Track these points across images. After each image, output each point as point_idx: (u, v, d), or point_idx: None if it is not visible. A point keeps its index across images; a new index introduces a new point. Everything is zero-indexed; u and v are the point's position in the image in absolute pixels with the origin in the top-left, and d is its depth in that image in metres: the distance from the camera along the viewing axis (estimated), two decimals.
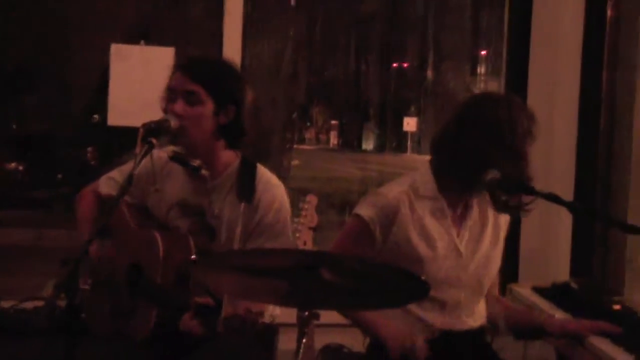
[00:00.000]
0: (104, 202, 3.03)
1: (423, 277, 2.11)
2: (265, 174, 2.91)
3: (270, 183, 2.89)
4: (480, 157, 2.71)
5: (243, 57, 4.30)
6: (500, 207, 2.85)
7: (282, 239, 2.81)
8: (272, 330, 2.69)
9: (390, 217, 2.78)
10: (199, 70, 2.81)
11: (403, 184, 2.85)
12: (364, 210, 2.80)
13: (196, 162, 2.82)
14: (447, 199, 2.81)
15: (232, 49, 4.16)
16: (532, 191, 2.67)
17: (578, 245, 4.13)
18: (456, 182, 2.79)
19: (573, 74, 4.19)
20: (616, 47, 4.11)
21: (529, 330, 2.94)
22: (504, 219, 2.95)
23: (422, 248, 2.76)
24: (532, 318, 2.97)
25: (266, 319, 2.41)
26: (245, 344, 2.60)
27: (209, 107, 2.77)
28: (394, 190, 2.83)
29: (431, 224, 2.79)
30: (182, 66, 2.84)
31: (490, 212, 2.90)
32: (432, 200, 2.81)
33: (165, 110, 2.81)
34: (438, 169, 2.82)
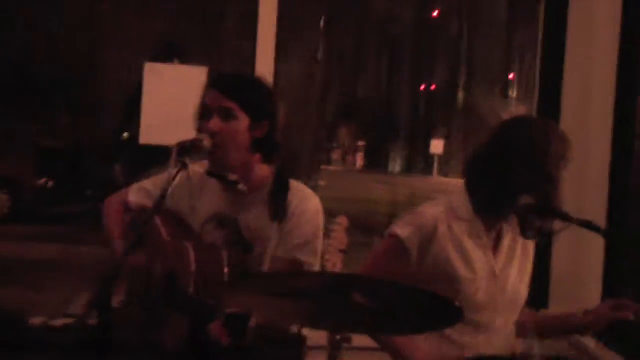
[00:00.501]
0: (133, 211, 3.04)
1: (457, 302, 2.08)
2: (298, 186, 2.92)
3: (304, 193, 2.90)
4: (513, 180, 2.69)
5: (275, 77, 4.31)
6: (531, 233, 2.82)
7: (311, 249, 2.81)
8: (300, 341, 2.68)
9: (428, 237, 2.75)
10: (232, 86, 2.83)
11: (439, 205, 2.83)
12: (401, 229, 2.78)
13: (233, 177, 2.83)
14: (482, 221, 2.79)
15: (264, 68, 4.17)
16: (566, 217, 2.64)
17: (610, 271, 4.08)
18: (490, 205, 2.78)
19: (607, 98, 4.15)
20: None
21: (564, 332, 2.99)
22: (531, 244, 2.92)
23: (461, 268, 2.74)
24: (566, 321, 2.96)
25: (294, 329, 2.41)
26: (275, 353, 2.59)
27: (243, 122, 2.79)
28: (431, 210, 2.81)
29: (469, 245, 2.78)
30: (215, 83, 2.86)
31: (520, 238, 2.88)
32: (469, 222, 2.79)
33: (198, 129, 2.83)
34: (472, 192, 2.80)
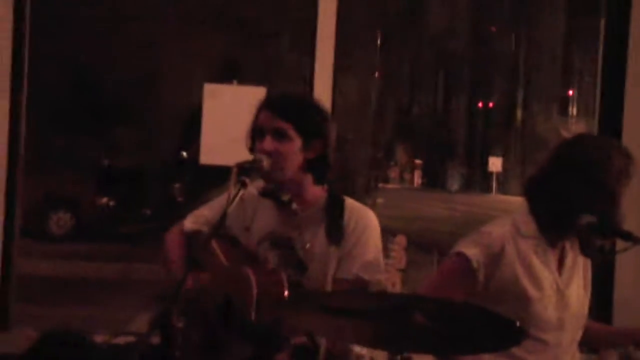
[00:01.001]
0: (191, 239, 3.07)
1: (519, 322, 2.05)
2: (353, 204, 2.91)
3: (360, 210, 2.89)
4: (574, 199, 2.67)
5: (333, 95, 4.33)
6: (593, 252, 2.79)
7: (374, 266, 2.78)
8: None
9: (495, 256, 2.73)
10: (285, 107, 2.83)
11: (505, 224, 2.81)
12: (467, 248, 2.76)
13: (286, 197, 2.84)
14: (547, 239, 2.77)
15: (322, 87, 4.18)
16: (629, 237, 2.60)
17: None
18: (553, 224, 2.75)
19: None
20: None
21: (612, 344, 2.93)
22: (589, 263, 2.88)
23: (529, 288, 2.72)
24: (615, 333, 2.97)
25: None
26: None
27: (297, 143, 2.80)
28: (497, 229, 2.79)
29: (536, 263, 2.75)
30: (268, 104, 2.87)
31: (580, 255, 2.84)
32: (534, 240, 2.77)
33: (251, 149, 2.85)
34: (535, 211, 2.78)
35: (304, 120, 2.81)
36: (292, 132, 2.79)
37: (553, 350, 2.74)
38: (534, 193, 2.80)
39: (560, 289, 2.75)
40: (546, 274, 2.75)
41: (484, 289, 2.71)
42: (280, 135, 2.79)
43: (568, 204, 2.68)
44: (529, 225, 2.77)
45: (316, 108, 2.92)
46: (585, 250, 2.79)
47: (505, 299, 2.66)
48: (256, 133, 2.84)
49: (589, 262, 2.89)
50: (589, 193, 2.66)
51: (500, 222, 2.83)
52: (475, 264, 2.71)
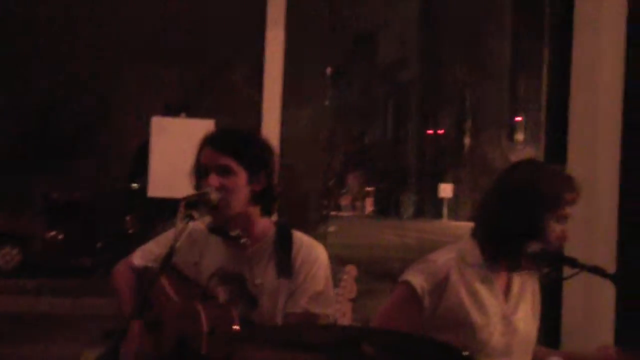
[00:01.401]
0: (140, 274, 3.05)
1: (466, 351, 2.07)
2: (302, 237, 2.93)
3: (308, 245, 2.91)
4: (504, 224, 2.70)
5: (282, 126, 4.34)
6: (540, 279, 2.83)
7: (323, 299, 2.80)
8: None
9: (440, 284, 2.74)
10: (227, 142, 2.85)
11: (451, 252, 2.83)
12: (413, 277, 2.77)
13: (235, 232, 2.83)
14: (492, 266, 2.79)
15: (271, 118, 4.20)
16: (575, 263, 2.63)
17: (622, 317, 4.06)
18: (496, 251, 2.78)
19: (614, 140, 4.16)
20: None
21: None
22: (538, 288, 2.91)
23: (475, 315, 2.73)
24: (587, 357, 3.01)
25: None
26: None
27: (242, 176, 2.81)
28: (442, 257, 2.81)
29: (481, 290, 2.77)
30: (209, 141, 2.89)
31: (528, 281, 2.87)
32: (479, 268, 2.79)
33: (196, 186, 2.85)
34: (479, 238, 2.81)
35: (247, 154, 2.82)
36: (235, 167, 2.81)
37: None
38: (479, 219, 2.84)
39: (506, 316, 2.76)
40: (492, 301, 2.76)
41: (431, 316, 2.73)
42: (224, 171, 2.80)
43: (506, 230, 2.71)
44: (474, 253, 2.80)
45: (258, 141, 2.94)
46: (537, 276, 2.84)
47: (452, 326, 2.68)
48: (200, 171, 2.85)
49: (537, 288, 2.90)
50: (516, 219, 2.68)
51: (447, 250, 2.85)
52: (420, 292, 2.73)
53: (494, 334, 2.73)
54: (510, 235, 2.71)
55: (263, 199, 2.87)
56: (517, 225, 2.71)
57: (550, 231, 2.68)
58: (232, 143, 2.85)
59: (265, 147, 2.94)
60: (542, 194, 2.70)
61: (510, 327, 2.76)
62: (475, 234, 2.84)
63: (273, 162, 2.91)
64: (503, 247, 2.75)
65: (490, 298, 2.77)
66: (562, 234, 2.70)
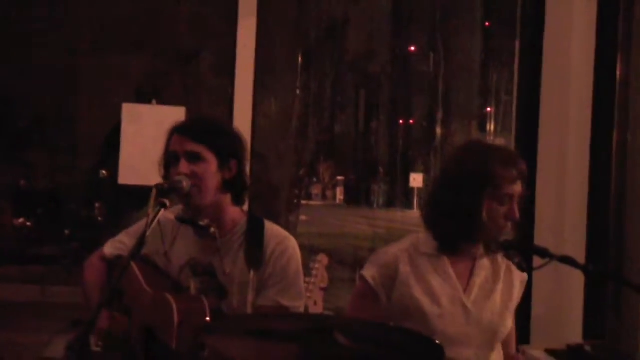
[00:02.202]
0: (111, 264, 3.03)
1: (437, 341, 2.08)
2: (273, 228, 2.93)
3: (279, 236, 2.91)
4: (443, 207, 2.73)
5: (253, 115, 4.32)
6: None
7: (294, 291, 2.81)
8: None
9: (390, 275, 2.78)
10: (197, 130, 2.85)
11: (405, 242, 2.86)
12: (366, 270, 2.82)
13: (204, 222, 2.81)
14: (450, 254, 2.79)
15: (242, 106, 4.18)
16: (545, 253, 2.65)
17: (591, 307, 4.09)
18: (445, 236, 2.76)
19: (584, 131, 4.19)
20: (626, 105, 4.12)
21: None
22: (519, 279, 2.90)
23: (426, 304, 2.74)
24: None
25: None
26: None
27: (212, 163, 2.81)
28: (394, 248, 2.84)
29: (434, 280, 2.77)
30: (179, 129, 2.87)
31: (503, 270, 2.87)
32: (433, 257, 2.79)
33: (164, 175, 2.82)
34: (428, 225, 2.81)
35: (217, 141, 2.82)
36: (206, 153, 2.79)
37: None
38: (426, 206, 2.85)
39: (465, 306, 2.77)
40: (447, 290, 2.77)
41: (388, 307, 2.74)
42: (194, 158, 2.78)
43: (442, 214, 2.75)
44: (427, 242, 2.81)
45: (228, 129, 2.96)
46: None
47: (407, 316, 2.70)
48: (170, 159, 2.82)
49: (516, 278, 2.89)
50: (453, 202, 2.71)
51: (402, 240, 2.87)
52: (373, 284, 2.75)
53: (451, 323, 2.74)
54: (450, 219, 2.72)
55: (234, 188, 2.86)
56: (455, 208, 2.71)
57: (490, 212, 2.68)
58: (203, 130, 2.83)
59: (235, 136, 2.93)
60: (474, 173, 2.71)
61: (470, 317, 2.77)
62: (424, 220, 2.85)
63: (244, 151, 2.90)
64: (447, 231, 2.75)
65: (445, 287, 2.78)
66: (508, 214, 2.68)
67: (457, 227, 2.73)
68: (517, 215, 2.68)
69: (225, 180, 2.83)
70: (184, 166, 2.76)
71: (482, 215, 2.68)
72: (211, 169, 2.80)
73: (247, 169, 2.91)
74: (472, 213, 2.69)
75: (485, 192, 2.68)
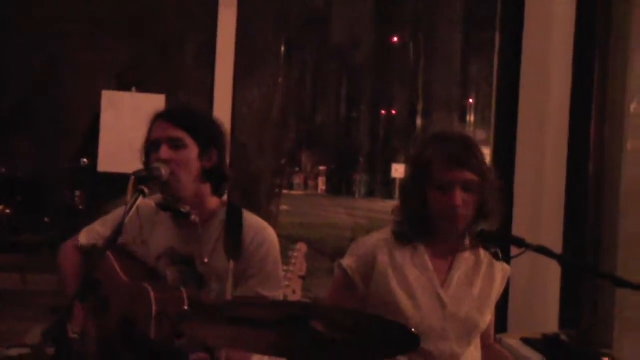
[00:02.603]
0: (86, 253, 3.02)
1: (412, 329, 2.10)
2: (251, 218, 2.93)
3: (257, 226, 2.91)
4: (407, 200, 2.75)
5: (233, 104, 4.32)
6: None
7: (272, 281, 2.81)
8: None
9: (368, 265, 2.78)
10: (180, 116, 2.85)
11: (384, 232, 2.85)
12: (345, 259, 2.82)
13: (185, 208, 2.81)
14: (429, 246, 2.80)
15: (222, 95, 4.18)
16: (521, 243, 2.65)
17: (567, 297, 4.12)
18: (414, 228, 2.77)
19: (561, 123, 4.21)
20: (604, 97, 4.14)
21: None
22: (500, 273, 2.90)
23: (401, 297, 2.74)
24: None
25: None
26: None
27: (193, 150, 2.80)
28: (373, 238, 2.84)
29: (411, 273, 2.77)
30: (161, 115, 2.87)
31: (484, 263, 2.87)
32: (412, 248, 2.80)
33: (145, 163, 2.82)
34: (400, 216, 2.82)
35: (199, 129, 2.82)
36: (187, 140, 2.79)
37: None
38: (399, 197, 2.87)
39: (441, 299, 2.77)
40: (423, 283, 2.77)
41: (365, 297, 2.75)
42: (175, 144, 2.77)
43: (402, 205, 2.77)
44: (407, 233, 2.81)
45: (209, 117, 2.97)
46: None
47: (382, 308, 2.70)
48: (151, 145, 2.81)
49: (498, 272, 2.88)
50: (407, 193, 2.75)
51: (382, 230, 2.87)
52: (350, 273, 2.76)
53: (427, 316, 2.74)
54: (403, 209, 2.75)
55: (213, 177, 2.86)
56: (408, 199, 2.74)
57: (433, 200, 2.69)
58: (185, 117, 2.84)
59: (217, 126, 2.93)
60: (415, 161, 2.74)
61: (446, 310, 2.76)
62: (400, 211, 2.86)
63: (224, 142, 2.90)
64: (401, 220, 2.77)
65: (421, 280, 2.77)
66: (449, 203, 2.65)
67: (410, 216, 2.74)
68: (457, 202, 2.64)
69: (205, 169, 2.83)
70: (164, 152, 2.75)
71: (426, 203, 2.69)
72: (191, 156, 2.80)
73: (227, 160, 2.92)
74: (417, 202, 2.70)
75: (426, 180, 2.69)
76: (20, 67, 5.19)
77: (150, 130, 2.84)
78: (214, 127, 2.90)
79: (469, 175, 2.66)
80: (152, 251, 2.89)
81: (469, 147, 2.71)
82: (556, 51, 4.20)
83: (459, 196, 2.65)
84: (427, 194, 2.69)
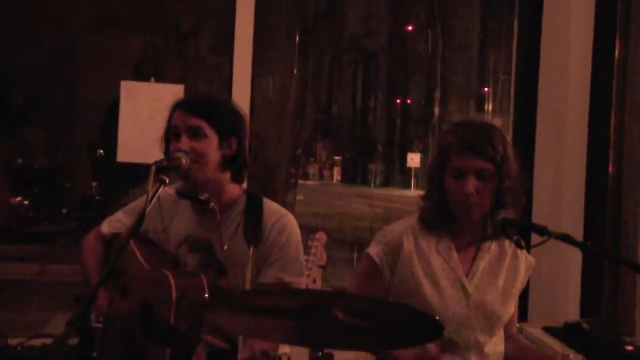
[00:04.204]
0: (109, 243, 3.03)
1: (437, 317, 2.09)
2: (272, 206, 2.94)
3: (278, 213, 2.92)
4: (430, 187, 2.75)
5: (252, 94, 4.31)
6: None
7: (295, 267, 2.82)
8: None
9: (395, 253, 2.77)
10: (199, 106, 2.84)
11: (410, 220, 2.85)
12: (372, 248, 2.81)
13: (204, 196, 2.82)
14: (454, 235, 2.79)
15: (241, 85, 4.17)
16: (544, 231, 2.63)
17: (588, 286, 4.10)
18: (436, 217, 2.76)
19: (582, 112, 4.19)
20: (624, 87, 4.11)
21: None
22: (526, 264, 2.88)
23: (426, 285, 2.74)
24: (544, 357, 2.91)
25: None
26: None
27: (213, 140, 2.81)
28: (400, 226, 2.83)
29: (437, 261, 2.77)
30: (181, 104, 2.87)
31: (509, 255, 2.85)
32: (437, 237, 2.79)
33: (165, 151, 2.82)
34: (423, 205, 2.81)
35: (219, 118, 2.82)
36: (207, 130, 2.79)
37: (462, 349, 2.76)
38: (427, 185, 2.85)
39: (465, 289, 2.77)
40: (447, 272, 2.76)
41: (391, 285, 2.75)
42: (195, 134, 2.77)
43: (427, 192, 2.76)
44: (429, 221, 2.80)
45: (231, 107, 2.94)
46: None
47: (408, 296, 2.70)
48: (171, 134, 2.82)
49: (522, 263, 2.88)
50: (429, 180, 2.74)
51: (408, 218, 2.86)
52: (379, 262, 2.76)
53: (451, 305, 2.73)
54: (428, 198, 2.74)
55: (234, 166, 2.86)
56: (430, 186, 2.74)
57: (449, 188, 2.68)
58: (205, 106, 2.83)
59: (237, 114, 2.93)
60: (438, 148, 2.73)
61: (470, 300, 2.76)
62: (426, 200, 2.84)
63: (245, 130, 2.90)
64: (431, 210, 2.75)
65: (446, 269, 2.77)
66: (463, 191, 2.65)
67: (431, 204, 2.73)
68: (469, 189, 2.63)
69: (226, 157, 2.83)
70: (184, 142, 2.76)
71: (444, 191, 2.68)
72: (212, 145, 2.80)
73: (247, 147, 2.91)
74: (436, 190, 2.70)
75: (443, 167, 2.69)
76: (37, 59, 5.20)
77: (170, 120, 2.84)
78: (233, 114, 2.90)
79: (483, 164, 2.65)
80: (172, 239, 2.90)
81: (487, 136, 2.69)
82: (576, 38, 4.18)
83: (472, 184, 2.64)
84: (444, 181, 2.67)
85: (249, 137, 2.93)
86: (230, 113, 2.90)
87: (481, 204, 2.67)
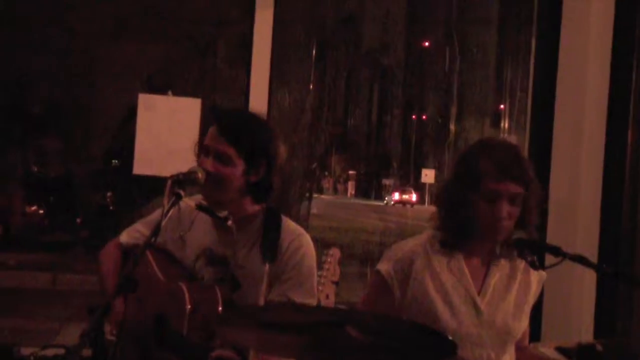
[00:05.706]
0: (127, 253, 3.04)
1: (449, 336, 2.08)
2: (290, 225, 2.93)
3: (296, 232, 2.90)
4: (450, 207, 2.71)
5: (269, 108, 4.32)
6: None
7: (306, 288, 2.80)
8: None
9: (406, 270, 2.75)
10: (232, 128, 2.80)
11: (421, 238, 2.83)
12: (382, 265, 2.80)
13: (223, 213, 2.82)
14: (466, 253, 2.77)
15: (258, 99, 4.18)
16: (558, 251, 2.62)
17: (602, 306, 4.08)
18: (452, 236, 2.75)
19: (598, 130, 4.17)
20: None
21: None
22: (536, 278, 2.87)
23: (439, 303, 2.73)
24: None
25: None
26: None
27: (239, 168, 2.80)
28: (410, 243, 2.82)
29: (448, 279, 2.75)
30: (217, 119, 2.84)
31: (520, 270, 2.84)
32: (449, 255, 2.78)
33: (198, 157, 2.83)
34: (441, 224, 2.80)
35: (250, 145, 2.79)
36: (235, 157, 2.78)
37: None
38: (438, 204, 2.83)
39: (477, 306, 2.75)
40: (459, 290, 2.74)
41: (402, 303, 2.73)
42: (223, 159, 2.77)
43: (444, 212, 2.73)
44: (448, 241, 2.79)
45: (264, 129, 2.88)
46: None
47: (419, 314, 2.68)
48: (202, 149, 2.82)
49: (534, 280, 2.86)
50: (449, 200, 2.70)
51: (419, 236, 2.85)
52: (389, 280, 2.74)
53: (463, 323, 2.71)
54: (448, 216, 2.71)
55: (257, 190, 2.85)
56: (450, 204, 2.71)
57: (478, 210, 2.65)
58: (238, 129, 2.79)
59: (269, 135, 2.86)
60: (465, 169, 2.69)
61: (482, 317, 2.74)
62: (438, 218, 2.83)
63: (275, 151, 2.85)
64: (446, 227, 2.74)
65: (457, 287, 2.75)
66: (495, 214, 2.62)
67: (453, 224, 2.72)
68: (503, 214, 2.62)
69: (249, 183, 2.82)
70: (210, 164, 2.76)
71: (472, 212, 2.66)
72: (237, 172, 2.78)
73: (278, 167, 2.87)
74: (462, 210, 2.67)
75: (473, 189, 2.66)
76: (53, 69, 5.23)
77: (204, 133, 2.83)
78: (266, 140, 2.84)
79: (518, 189, 2.64)
80: (190, 251, 2.91)
81: (518, 159, 2.69)
82: (594, 56, 4.16)
83: (505, 209, 2.63)
84: (472, 203, 2.66)
85: (281, 156, 2.89)
86: (265, 137, 2.84)
87: (509, 226, 2.67)
